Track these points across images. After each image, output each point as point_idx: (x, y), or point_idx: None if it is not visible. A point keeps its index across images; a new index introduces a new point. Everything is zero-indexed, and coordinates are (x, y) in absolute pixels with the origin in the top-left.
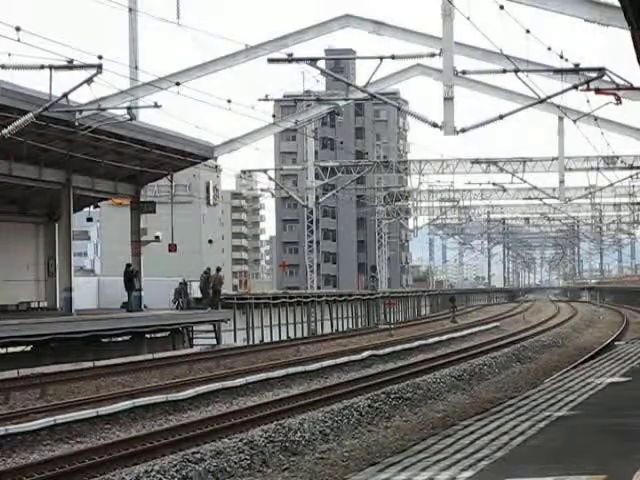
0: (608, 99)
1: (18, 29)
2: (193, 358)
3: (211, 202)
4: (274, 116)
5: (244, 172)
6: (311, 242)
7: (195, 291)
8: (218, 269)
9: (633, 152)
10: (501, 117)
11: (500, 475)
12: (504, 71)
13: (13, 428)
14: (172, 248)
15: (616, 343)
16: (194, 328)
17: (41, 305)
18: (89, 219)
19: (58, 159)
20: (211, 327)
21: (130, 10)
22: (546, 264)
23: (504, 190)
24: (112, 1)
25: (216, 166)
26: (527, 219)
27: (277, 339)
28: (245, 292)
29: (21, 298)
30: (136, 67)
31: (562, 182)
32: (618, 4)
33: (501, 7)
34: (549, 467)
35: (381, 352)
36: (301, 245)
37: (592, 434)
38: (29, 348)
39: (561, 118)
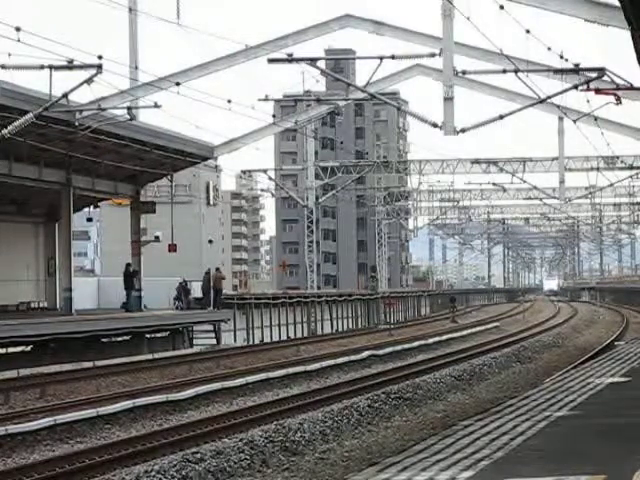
0: (608, 99)
1: (18, 29)
2: (193, 358)
3: (211, 202)
4: (274, 116)
5: (244, 172)
6: (311, 242)
7: (195, 291)
8: (217, 269)
9: (633, 152)
10: (501, 117)
11: (500, 475)
12: (504, 71)
13: (13, 428)
14: (172, 248)
15: (616, 343)
16: (194, 328)
17: (41, 305)
18: (89, 219)
19: (58, 159)
20: (211, 327)
21: (130, 10)
22: (546, 264)
23: (504, 190)
24: (112, 1)
25: (216, 166)
26: (527, 219)
27: (277, 339)
28: (245, 292)
29: (21, 298)
30: (136, 67)
31: (562, 182)
32: (618, 4)
33: (501, 7)
34: (549, 467)
35: (381, 352)
36: (301, 245)
37: (592, 434)
38: (29, 348)
39: (561, 118)
